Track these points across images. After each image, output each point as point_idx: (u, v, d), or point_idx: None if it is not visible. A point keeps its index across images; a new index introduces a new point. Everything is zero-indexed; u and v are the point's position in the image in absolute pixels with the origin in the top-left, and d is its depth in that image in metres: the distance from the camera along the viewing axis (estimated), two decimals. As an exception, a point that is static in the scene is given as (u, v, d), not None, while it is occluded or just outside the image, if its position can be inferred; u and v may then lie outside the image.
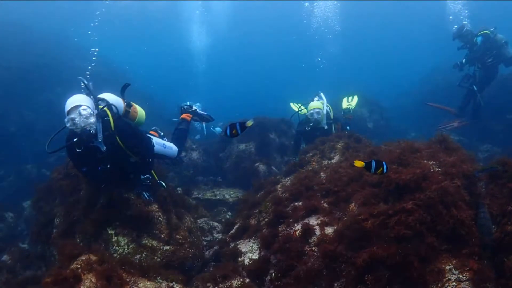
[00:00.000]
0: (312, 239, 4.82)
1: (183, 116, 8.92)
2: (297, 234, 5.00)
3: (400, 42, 46.58)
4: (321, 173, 6.60)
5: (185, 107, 9.12)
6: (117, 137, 5.87)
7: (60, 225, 6.51)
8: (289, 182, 7.03)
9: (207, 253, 6.74)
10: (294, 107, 11.53)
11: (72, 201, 6.56)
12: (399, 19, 42.54)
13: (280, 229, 5.41)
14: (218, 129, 16.96)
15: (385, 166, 4.22)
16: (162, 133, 8.38)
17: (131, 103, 7.25)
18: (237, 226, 6.75)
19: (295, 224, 5.30)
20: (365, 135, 8.53)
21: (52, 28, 23.73)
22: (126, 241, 5.74)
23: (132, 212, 5.99)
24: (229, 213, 9.16)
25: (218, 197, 9.94)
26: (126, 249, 5.64)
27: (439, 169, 4.79)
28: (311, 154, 8.03)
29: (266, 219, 6.03)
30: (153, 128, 8.48)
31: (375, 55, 48.49)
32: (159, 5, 37.52)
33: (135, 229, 5.91)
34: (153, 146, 7.05)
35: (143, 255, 5.65)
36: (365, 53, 47.52)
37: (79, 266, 4.35)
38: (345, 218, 4.92)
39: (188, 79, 38.00)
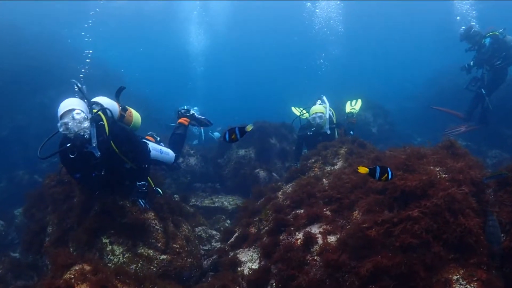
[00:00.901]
0: (314, 248, 4.83)
1: (181, 120, 8.93)
2: (299, 243, 5.01)
3: (405, 44, 46.64)
4: (324, 180, 6.61)
5: (182, 111, 9.13)
6: (112, 142, 5.88)
7: (52, 234, 6.51)
8: (290, 189, 7.04)
9: (205, 262, 6.74)
10: (296, 111, 11.56)
11: (65, 209, 6.57)
12: (404, 20, 42.61)
13: (281, 237, 5.42)
14: (216, 134, 17.01)
15: (389, 173, 4.22)
16: (158, 138, 8.39)
17: (127, 107, 7.27)
18: (236, 234, 6.75)
19: (297, 233, 5.30)
20: (369, 140, 8.53)
21: (45, 29, 23.77)
22: (121, 250, 5.75)
23: (128, 220, 5.99)
24: (228, 221, 9.17)
25: (216, 205, 9.94)
26: (121, 259, 5.64)
27: (446, 176, 4.80)
28: (313, 160, 8.04)
29: (267, 227, 6.04)
30: (149, 133, 8.49)
31: (379, 57, 48.61)
32: (156, 5, 37.58)
33: (131, 237, 5.91)
34: (149, 151, 7.06)
35: (139, 264, 5.65)
36: (369, 55, 47.64)
37: (73, 276, 4.36)
38: (348, 226, 4.92)
39: (186, 81, 38.07)
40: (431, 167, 5.09)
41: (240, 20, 43.12)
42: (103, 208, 6.10)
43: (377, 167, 4.22)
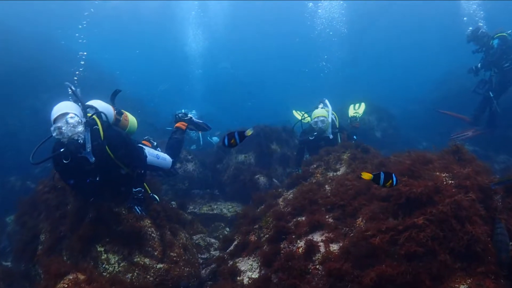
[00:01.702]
0: (316, 257, 4.83)
1: (178, 124, 8.94)
2: (300, 251, 5.01)
3: (411, 45, 46.69)
4: (326, 186, 6.61)
5: (179, 115, 9.14)
6: (107, 147, 5.89)
7: (45, 242, 6.51)
8: (291, 195, 7.04)
9: (203, 271, 6.73)
10: (297, 115, 11.56)
11: (59, 216, 6.57)
12: (409, 20, 42.69)
13: (282, 246, 5.42)
14: (215, 139, 17.01)
15: (394, 178, 4.23)
16: (155, 143, 8.39)
17: (122, 110, 7.28)
18: (235, 242, 6.75)
19: (298, 241, 5.31)
20: (373, 145, 8.54)
21: (38, 30, 23.79)
22: (116, 258, 5.75)
23: (123, 227, 5.99)
24: (227, 229, 9.16)
25: (215, 212, 9.94)
26: (116, 268, 5.64)
27: (453, 182, 4.80)
28: (315, 166, 8.04)
29: (267, 235, 6.04)
30: (146, 137, 8.49)
31: (384, 59, 48.62)
32: (152, 6, 37.66)
33: (126, 246, 5.91)
34: (146, 156, 7.06)
35: (135, 274, 5.65)
36: (373, 57, 47.65)
37: (66, 285, 4.36)
38: (351, 234, 4.92)
39: (183, 84, 38.07)
40: (437, 173, 5.10)
41: (240, 21, 43.20)
42: (98, 215, 6.10)
43: (381, 172, 4.23)
